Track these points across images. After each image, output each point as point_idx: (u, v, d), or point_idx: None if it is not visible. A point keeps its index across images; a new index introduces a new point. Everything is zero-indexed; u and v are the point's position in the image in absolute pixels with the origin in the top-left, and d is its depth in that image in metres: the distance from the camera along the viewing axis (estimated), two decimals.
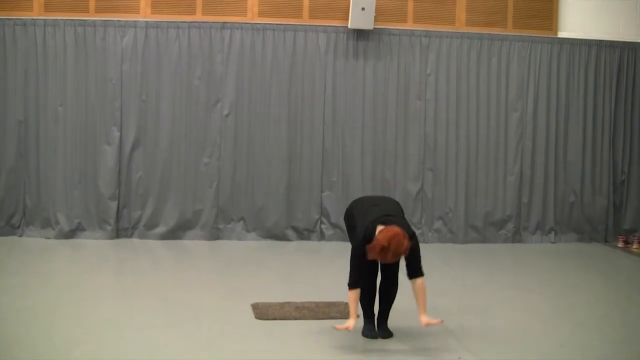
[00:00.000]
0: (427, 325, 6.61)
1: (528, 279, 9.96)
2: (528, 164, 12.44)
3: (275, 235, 11.97)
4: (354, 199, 7.65)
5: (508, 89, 12.38)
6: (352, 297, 6.69)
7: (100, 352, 6.40)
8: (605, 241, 12.64)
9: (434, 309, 7.97)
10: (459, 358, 6.46)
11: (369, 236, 6.60)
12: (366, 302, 7.01)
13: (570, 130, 12.56)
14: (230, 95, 11.81)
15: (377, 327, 7.08)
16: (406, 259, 6.65)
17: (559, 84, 12.48)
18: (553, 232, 12.56)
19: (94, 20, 11.56)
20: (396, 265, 6.93)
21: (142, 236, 11.77)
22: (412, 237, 6.63)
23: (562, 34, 12.49)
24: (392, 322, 7.16)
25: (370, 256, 6.49)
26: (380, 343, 6.87)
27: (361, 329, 7.00)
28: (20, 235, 11.57)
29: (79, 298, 8.05)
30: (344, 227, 11.81)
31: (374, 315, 7.07)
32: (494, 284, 9.50)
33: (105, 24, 11.58)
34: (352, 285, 6.71)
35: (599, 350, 6.87)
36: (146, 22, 11.65)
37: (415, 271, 6.70)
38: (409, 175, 12.19)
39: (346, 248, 11.27)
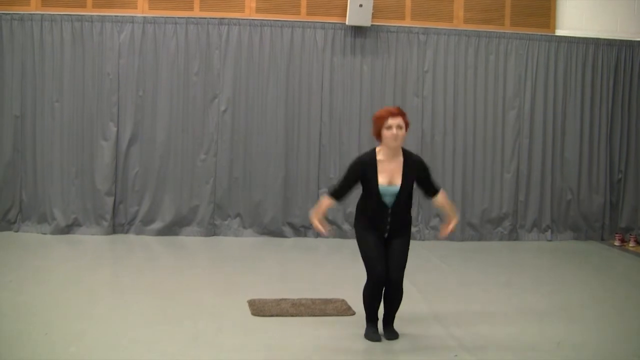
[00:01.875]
0: (450, 231, 6.93)
1: (524, 276, 9.96)
2: (525, 161, 12.45)
3: (272, 231, 11.98)
4: None
5: (505, 87, 12.39)
6: (325, 202, 6.93)
7: (97, 348, 6.38)
8: (602, 239, 12.67)
9: (430, 306, 7.99)
10: (455, 356, 6.46)
11: (366, 155, 6.84)
12: (372, 305, 6.88)
13: (567, 128, 12.57)
14: (228, 91, 11.81)
15: (383, 329, 7.00)
16: (420, 184, 6.86)
17: (557, 81, 12.48)
18: (550, 230, 12.57)
19: (91, 15, 11.55)
20: (398, 275, 6.77)
21: (139, 232, 11.77)
22: (421, 160, 6.96)
23: (559, 32, 12.49)
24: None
25: (377, 125, 6.69)
26: (372, 343, 6.83)
27: (367, 333, 6.92)
28: (17, 231, 11.57)
29: (75, 294, 8.04)
30: (341, 224, 11.93)
31: (378, 319, 6.98)
32: (490, 281, 9.50)
33: (103, 19, 11.57)
34: (331, 193, 6.96)
35: (595, 348, 6.86)
36: (143, 17, 11.64)
37: (433, 189, 6.96)
38: None
39: (343, 245, 11.38)
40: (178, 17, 11.72)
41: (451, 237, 11.96)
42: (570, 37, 12.50)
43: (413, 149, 11.86)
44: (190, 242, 11.54)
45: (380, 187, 6.65)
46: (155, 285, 8.49)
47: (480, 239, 12.34)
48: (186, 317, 7.34)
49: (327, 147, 12.07)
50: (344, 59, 12.07)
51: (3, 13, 11.47)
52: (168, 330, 6.92)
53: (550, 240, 12.49)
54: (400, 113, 6.67)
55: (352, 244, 11.44)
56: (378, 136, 6.71)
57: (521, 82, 12.42)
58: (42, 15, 11.50)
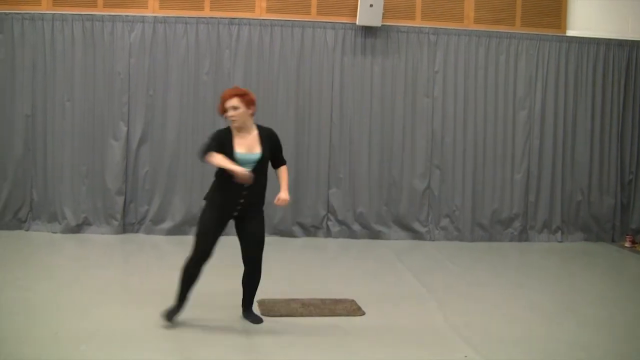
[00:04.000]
0: (282, 200, 7.08)
1: (534, 278, 9.93)
2: (535, 162, 12.42)
3: (282, 231, 11.97)
4: None
5: (516, 87, 12.36)
6: (217, 158, 6.83)
7: (106, 347, 6.40)
8: (612, 241, 12.62)
9: (440, 307, 7.99)
10: (465, 357, 6.45)
11: (224, 128, 7.11)
12: (188, 283, 7.10)
13: (578, 129, 12.53)
14: None
15: (245, 313, 7.30)
16: (272, 154, 7.13)
17: (567, 82, 12.45)
18: (560, 231, 12.53)
19: (102, 15, 11.57)
20: (259, 253, 7.17)
21: (149, 231, 11.78)
22: (275, 132, 7.27)
23: (570, 32, 12.45)
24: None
25: (220, 107, 6.99)
26: (384, 342, 6.85)
27: (169, 311, 7.12)
28: (27, 229, 11.59)
29: (85, 293, 8.05)
30: (351, 224, 11.92)
31: (183, 305, 7.13)
32: (500, 282, 9.49)
33: (114, 18, 11.58)
34: (204, 153, 6.95)
35: (604, 349, 6.86)
36: (154, 17, 11.65)
37: (280, 161, 7.27)
38: (416, 173, 12.17)
39: (353, 245, 11.38)
40: (188, 17, 11.72)
41: (461, 238, 12.08)
42: (581, 37, 12.46)
43: (423, 149, 12.02)
44: None
45: (238, 154, 6.90)
46: (164, 285, 8.46)
47: (490, 239, 12.30)
48: (195, 317, 7.34)
49: (337, 147, 12.06)
50: (354, 59, 12.06)
51: (14, 12, 11.49)
52: (177, 330, 6.92)
53: (560, 242, 12.45)
54: (236, 94, 6.93)
55: (362, 244, 11.56)
56: (223, 115, 7.05)
57: (532, 83, 12.39)
58: (53, 14, 11.52)
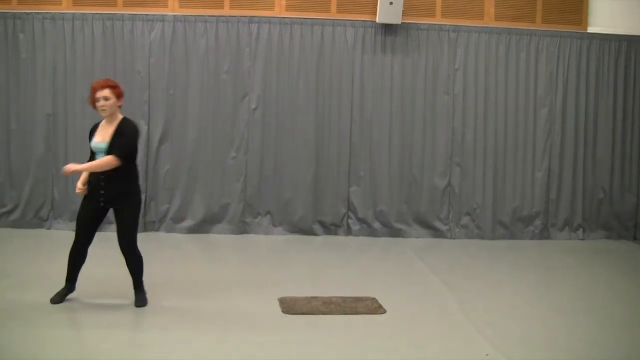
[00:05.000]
0: (71, 170, 7.25)
1: (555, 276, 9.88)
2: (556, 160, 12.36)
3: (302, 229, 11.97)
4: None
5: (537, 85, 12.30)
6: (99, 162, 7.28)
7: (129, 344, 6.42)
8: (634, 238, 12.56)
9: (461, 305, 7.95)
10: (487, 355, 6.42)
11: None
12: (68, 266, 7.62)
13: (599, 126, 12.46)
14: (258, 89, 11.82)
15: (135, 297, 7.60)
16: (117, 143, 7.30)
17: (589, 79, 12.38)
18: (581, 229, 12.48)
19: (122, 14, 11.61)
20: (126, 242, 7.49)
21: (169, 230, 11.82)
22: (133, 125, 7.46)
23: (591, 29, 12.38)
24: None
25: (91, 96, 7.32)
26: (406, 340, 6.83)
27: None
28: (48, 228, 11.65)
29: (105, 291, 8.06)
30: (371, 222, 11.92)
31: (73, 281, 7.65)
32: (521, 280, 9.43)
33: (133, 17, 11.62)
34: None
35: (625, 348, 6.80)
36: (174, 16, 11.68)
37: (114, 150, 7.26)
38: (436, 171, 12.14)
39: (374, 243, 11.38)
40: (208, 16, 11.74)
41: (481, 236, 12.03)
42: (603, 34, 12.39)
43: (443, 147, 11.99)
44: (221, 240, 11.57)
45: (93, 143, 7.37)
46: (185, 283, 8.50)
47: (511, 237, 12.26)
48: (217, 315, 7.36)
49: (357, 145, 12.04)
50: (374, 57, 12.04)
51: (35, 12, 11.55)
52: (198, 328, 6.93)
53: (582, 240, 12.40)
54: (107, 85, 7.32)
55: (383, 243, 11.55)
56: (93, 105, 7.37)
57: (552, 80, 12.32)
58: (74, 14, 11.57)
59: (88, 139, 7.50)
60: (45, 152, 11.65)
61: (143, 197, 11.54)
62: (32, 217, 11.70)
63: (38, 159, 11.64)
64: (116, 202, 7.38)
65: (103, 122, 7.42)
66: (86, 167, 7.28)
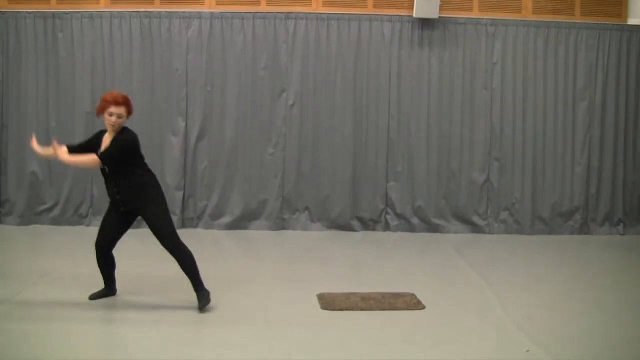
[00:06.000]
0: (60, 157, 7.17)
1: (596, 271, 9.78)
2: (596, 154, 12.24)
3: (341, 225, 11.97)
4: None
5: (576, 78, 12.18)
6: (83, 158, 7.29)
7: (168, 341, 6.45)
8: None
9: (500, 301, 7.91)
10: (528, 351, 6.38)
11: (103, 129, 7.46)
12: (101, 269, 7.72)
13: (639, 120, 12.32)
14: (295, 85, 11.83)
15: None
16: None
17: (629, 72, 12.23)
18: (622, 224, 12.35)
19: (160, 12, 11.66)
20: (163, 242, 7.44)
21: (208, 226, 11.86)
22: (131, 134, 7.38)
23: (632, 21, 12.23)
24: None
25: (102, 107, 7.22)
26: (445, 336, 6.80)
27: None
28: (88, 225, 11.74)
29: (144, 288, 8.10)
30: (410, 218, 11.90)
31: (109, 284, 7.77)
32: (560, 276, 9.35)
33: (171, 15, 11.67)
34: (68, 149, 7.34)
35: None
36: (211, 13, 11.71)
37: (99, 153, 7.21)
38: (475, 166, 12.08)
39: (412, 239, 11.36)
40: (245, 13, 11.76)
41: (520, 231, 11.96)
42: None
43: (482, 142, 11.93)
44: (259, 236, 11.59)
45: (99, 152, 7.24)
46: (224, 280, 8.51)
47: (550, 232, 12.15)
48: (256, 311, 7.38)
49: (395, 141, 12.00)
50: (412, 52, 12.00)
51: (74, 12, 11.65)
52: (238, 325, 6.95)
53: (622, 235, 12.27)
54: (124, 103, 7.25)
55: (422, 238, 11.52)
56: (100, 115, 7.30)
57: (592, 73, 12.19)
58: (112, 13, 11.65)
59: (89, 140, 7.51)
60: None
61: (181, 194, 11.67)
62: (72, 214, 11.81)
63: None
64: (134, 202, 7.35)
65: (107, 133, 7.38)
66: (72, 160, 7.22)
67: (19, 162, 11.76)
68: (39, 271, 8.75)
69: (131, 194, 7.30)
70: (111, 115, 7.16)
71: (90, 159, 7.13)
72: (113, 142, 7.20)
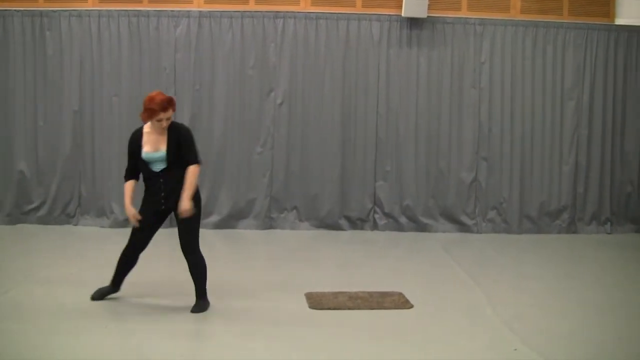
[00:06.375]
0: (182, 211, 7.14)
1: (583, 270, 9.81)
2: (584, 153, 12.27)
3: (329, 224, 11.97)
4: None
5: (564, 78, 12.21)
6: (127, 187, 7.49)
7: (156, 340, 6.43)
8: None
9: (489, 299, 7.92)
10: (515, 349, 6.39)
11: (136, 130, 7.39)
12: (118, 267, 7.61)
13: (627, 120, 12.36)
14: (284, 84, 11.82)
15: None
16: (179, 150, 7.21)
17: (616, 72, 12.28)
18: (609, 223, 12.39)
19: (148, 11, 11.64)
20: (187, 240, 7.38)
21: None
22: (185, 129, 7.40)
23: (619, 21, 12.27)
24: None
25: (149, 115, 7.05)
26: (433, 335, 6.81)
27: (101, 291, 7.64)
28: (76, 224, 11.72)
29: (135, 287, 8.07)
30: (398, 217, 11.89)
31: (118, 284, 7.66)
32: (548, 275, 9.38)
33: (159, 14, 11.65)
34: (125, 176, 7.50)
35: None
36: (199, 11, 11.70)
37: (187, 160, 7.23)
38: (463, 165, 12.10)
39: (400, 238, 11.36)
40: (233, 11, 11.75)
41: (508, 230, 11.98)
42: (631, 26, 12.25)
43: (470, 141, 11.94)
44: (247, 235, 11.59)
45: (144, 154, 7.20)
46: (212, 279, 8.49)
47: (538, 231, 12.18)
48: (243, 310, 7.38)
49: (383, 140, 12.01)
50: (400, 51, 12.00)
51: (61, 10, 11.61)
52: (224, 323, 6.96)
53: (609, 233, 12.31)
54: (170, 106, 7.10)
55: (410, 237, 11.53)
56: (147, 121, 7.18)
57: (580, 73, 12.23)
58: (100, 11, 11.62)
59: (130, 148, 7.34)
60: (73, 149, 11.71)
61: None
62: (59, 213, 11.77)
63: (65, 156, 11.70)
64: (177, 195, 7.20)
65: (147, 130, 7.24)
66: (189, 192, 7.15)
67: (6, 160, 11.72)
68: (24, 270, 8.72)
69: (176, 186, 7.18)
70: (160, 120, 7.06)
71: (194, 172, 7.19)
72: (183, 140, 7.19)
